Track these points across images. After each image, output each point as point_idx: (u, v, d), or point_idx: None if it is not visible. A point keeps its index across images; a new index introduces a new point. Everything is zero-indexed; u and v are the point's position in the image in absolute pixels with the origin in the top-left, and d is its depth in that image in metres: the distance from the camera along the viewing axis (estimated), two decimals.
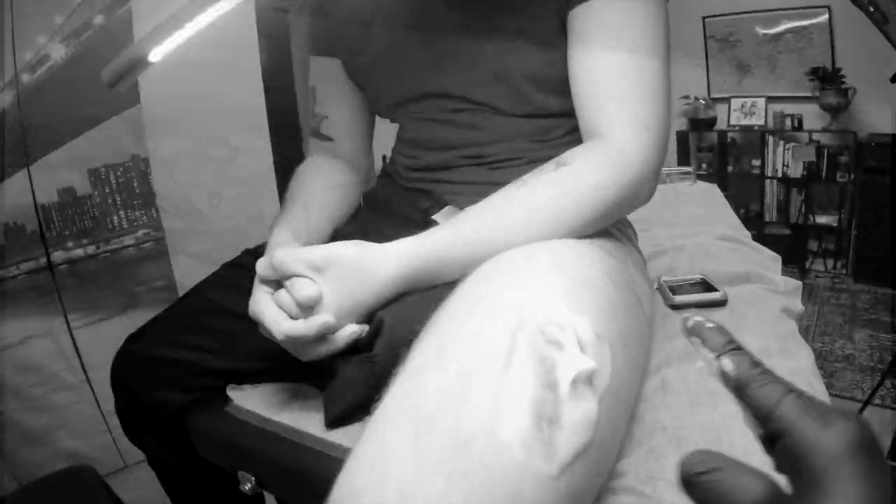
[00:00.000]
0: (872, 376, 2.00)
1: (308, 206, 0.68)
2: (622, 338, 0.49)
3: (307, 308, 0.52)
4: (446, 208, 0.66)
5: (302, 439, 0.59)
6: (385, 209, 0.74)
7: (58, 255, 1.36)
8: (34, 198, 1.29)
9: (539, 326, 0.42)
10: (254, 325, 0.56)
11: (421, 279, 0.55)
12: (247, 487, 0.64)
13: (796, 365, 0.63)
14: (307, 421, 0.61)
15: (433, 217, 0.65)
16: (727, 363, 0.34)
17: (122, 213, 1.45)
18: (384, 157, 0.84)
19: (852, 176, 2.86)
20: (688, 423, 0.55)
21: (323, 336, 0.53)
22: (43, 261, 1.33)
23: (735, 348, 0.33)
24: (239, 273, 0.69)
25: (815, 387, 0.60)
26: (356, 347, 0.55)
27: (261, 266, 0.55)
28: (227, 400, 0.66)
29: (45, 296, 1.35)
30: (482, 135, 0.67)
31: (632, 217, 0.66)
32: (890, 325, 2.38)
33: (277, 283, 0.55)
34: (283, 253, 0.53)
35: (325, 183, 0.73)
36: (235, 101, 1.53)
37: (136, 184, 1.45)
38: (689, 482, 0.28)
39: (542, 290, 0.46)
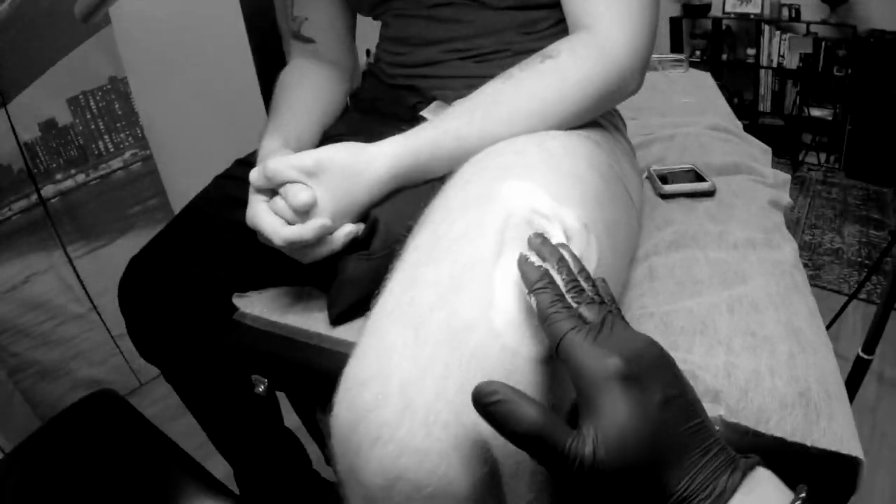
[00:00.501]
0: (860, 271, 2.05)
1: (295, 112, 0.68)
2: (608, 228, 0.50)
3: (303, 213, 0.53)
4: (434, 103, 0.66)
5: (309, 338, 0.62)
6: (372, 108, 0.73)
7: (48, 190, 1.34)
8: (16, 136, 1.26)
9: (526, 218, 0.44)
10: (252, 234, 0.57)
11: (413, 175, 0.56)
12: (260, 389, 0.67)
13: (781, 256, 0.65)
14: (312, 320, 0.63)
15: (421, 113, 0.65)
16: (532, 300, 0.38)
17: (106, 137, 1.42)
18: (367, 52, 0.82)
19: (849, 71, 2.79)
20: (674, 308, 0.57)
21: (321, 238, 0.54)
22: (34, 198, 1.32)
23: (544, 286, 0.37)
24: (232, 184, 0.69)
25: (797, 278, 0.63)
26: (354, 246, 0.56)
27: (254, 176, 0.55)
28: (234, 308, 0.68)
29: (42, 231, 1.34)
30: (468, 28, 0.65)
31: (622, 105, 0.66)
32: (880, 221, 2.41)
33: (272, 192, 0.56)
34: (275, 161, 0.53)
35: (310, 86, 0.72)
36: (211, 9, 1.48)
37: (117, 106, 1.41)
38: (479, 408, 0.33)
39: (529, 182, 0.47)
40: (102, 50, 1.35)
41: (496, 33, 0.65)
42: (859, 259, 2.14)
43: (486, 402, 0.32)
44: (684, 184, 0.79)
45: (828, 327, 1.60)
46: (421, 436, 0.35)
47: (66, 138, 1.35)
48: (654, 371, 0.33)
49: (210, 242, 0.68)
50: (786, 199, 0.84)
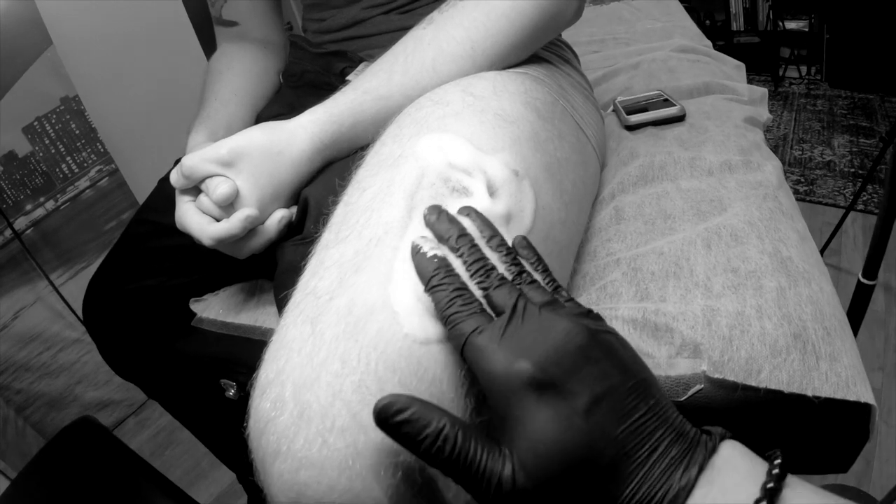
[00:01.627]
0: (854, 182, 2.01)
1: (222, 99, 0.64)
2: (549, 169, 0.45)
3: (229, 206, 0.50)
4: (361, 65, 0.62)
5: (263, 335, 0.59)
6: (303, 81, 0.69)
7: (21, 222, 1.32)
8: None
9: (442, 175, 0.39)
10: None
11: (340, 145, 0.52)
12: (230, 394, 0.64)
13: (762, 177, 0.59)
14: (265, 315, 0.60)
15: (348, 77, 0.62)
16: (432, 300, 0.32)
17: (69, 159, 1.39)
18: (290, 26, 0.78)
19: None
20: (643, 252, 0.52)
21: (254, 230, 0.51)
22: (8, 233, 1.30)
23: (440, 281, 0.32)
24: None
25: (782, 200, 0.57)
26: (292, 231, 0.53)
27: (174, 178, 0.52)
28: (191, 314, 0.66)
29: (22, 264, 1.33)
30: None
31: (582, 38, 0.62)
32: (869, 129, 2.35)
33: (197, 189, 0.52)
34: (190, 158, 0.50)
35: (239, 70, 0.68)
36: (153, 13, 1.43)
37: (73, 126, 1.38)
38: (382, 428, 0.28)
39: (446, 134, 0.42)
40: (49, 71, 1.31)
41: None
42: (852, 169, 2.09)
43: (390, 422, 0.28)
44: (650, 112, 0.74)
45: (828, 242, 1.59)
46: (317, 446, 0.31)
47: (28, 167, 1.32)
48: (575, 368, 0.27)
49: (160, 252, 0.65)
50: (765, 114, 0.79)
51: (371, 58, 0.61)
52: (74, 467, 0.69)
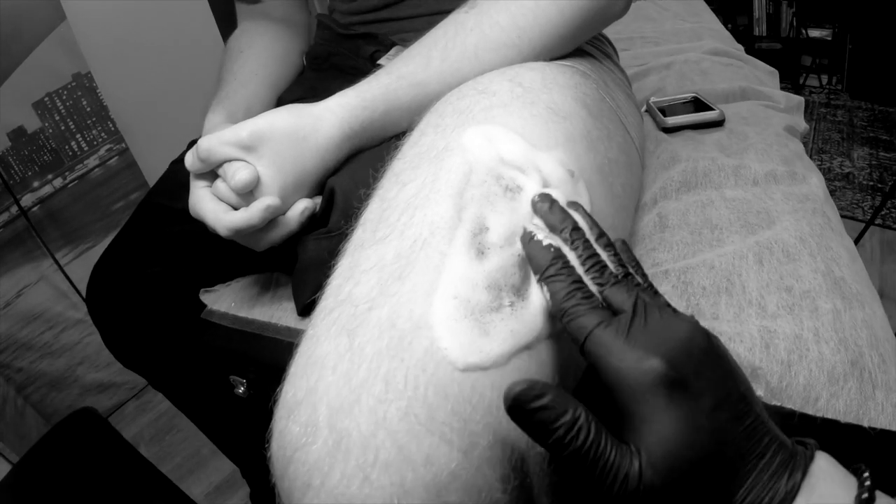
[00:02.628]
0: (873, 195, 1.98)
1: (242, 79, 0.61)
2: (602, 172, 0.42)
3: (248, 194, 0.46)
4: (393, 49, 0.59)
5: (278, 332, 0.56)
6: (328, 65, 0.66)
7: (27, 199, 1.29)
8: None
9: (493, 173, 0.36)
10: None
11: (371, 133, 0.49)
12: (240, 391, 0.61)
13: (808, 190, 0.56)
14: (281, 311, 0.57)
15: (379, 62, 0.58)
16: (545, 290, 0.31)
17: (78, 136, 1.36)
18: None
19: None
20: (692, 263, 0.49)
21: (273, 220, 0.47)
22: (14, 209, 1.27)
23: (557, 271, 0.30)
24: (185, 169, 0.64)
25: (830, 215, 0.54)
26: (314, 224, 0.49)
27: (189, 161, 0.48)
28: (202, 306, 0.62)
29: (27, 242, 1.31)
30: None
31: (610, 35, 0.59)
32: (889, 142, 2.32)
33: (214, 174, 0.49)
34: (208, 139, 0.46)
35: (260, 49, 0.64)
36: None
37: (84, 103, 1.35)
38: (517, 416, 0.26)
39: (496, 126, 0.39)
40: (62, 47, 1.28)
41: None
42: (871, 183, 2.06)
43: (525, 408, 0.26)
44: (689, 114, 0.72)
45: None
46: (357, 482, 0.27)
47: (37, 144, 1.29)
48: (702, 369, 0.27)
49: (169, 238, 0.62)
50: (802, 123, 0.76)
51: (404, 42, 0.58)
52: (72, 458, 0.67)
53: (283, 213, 0.48)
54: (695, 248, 0.51)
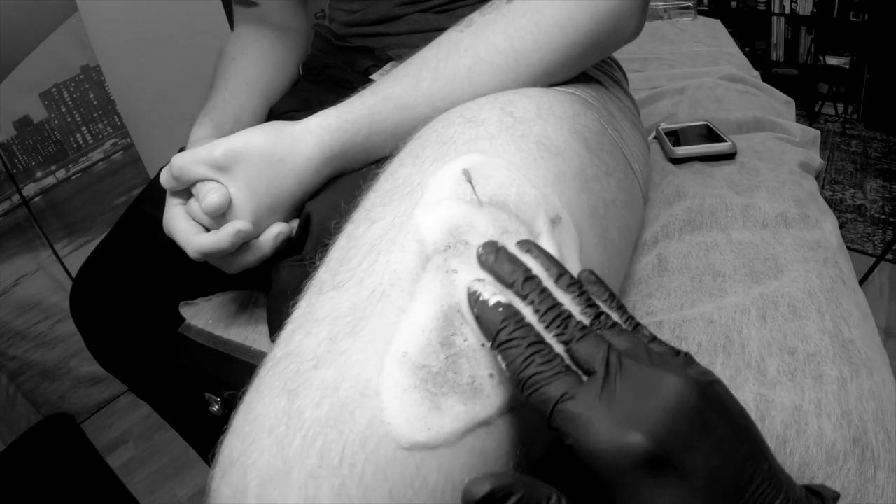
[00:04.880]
0: (884, 229, 1.95)
1: (232, 89, 0.58)
2: (595, 214, 0.39)
3: (220, 216, 0.44)
4: (389, 64, 0.57)
5: (251, 357, 0.53)
6: (323, 77, 0.63)
7: (29, 189, 1.29)
8: None
9: (457, 236, 0.32)
10: None
11: (351, 157, 0.46)
12: (215, 409, 0.58)
13: (821, 237, 0.52)
14: (256, 335, 0.55)
15: (371, 77, 0.56)
16: (500, 359, 0.26)
17: (84, 129, 1.36)
18: (316, 15, 0.73)
19: (866, 16, 2.62)
20: (689, 315, 0.45)
21: (245, 244, 0.45)
22: (16, 198, 1.27)
23: (509, 335, 0.26)
24: None
25: (843, 266, 0.51)
26: (291, 248, 0.47)
27: (163, 178, 0.46)
28: (180, 319, 0.61)
29: (27, 231, 1.31)
30: None
31: (624, 55, 0.55)
32: None
33: (188, 192, 0.47)
34: (181, 157, 0.44)
35: (253, 58, 0.62)
36: None
37: (92, 96, 1.34)
38: None
39: (478, 159, 0.35)
40: (72, 39, 1.28)
41: None
42: (882, 216, 2.03)
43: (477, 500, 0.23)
44: (699, 145, 0.69)
45: None
46: None
47: (42, 134, 1.29)
48: (692, 439, 0.23)
49: (152, 248, 0.60)
50: (817, 159, 0.73)
51: (400, 58, 0.56)
52: (41, 465, 0.66)
53: (257, 237, 0.46)
54: (694, 297, 0.48)
